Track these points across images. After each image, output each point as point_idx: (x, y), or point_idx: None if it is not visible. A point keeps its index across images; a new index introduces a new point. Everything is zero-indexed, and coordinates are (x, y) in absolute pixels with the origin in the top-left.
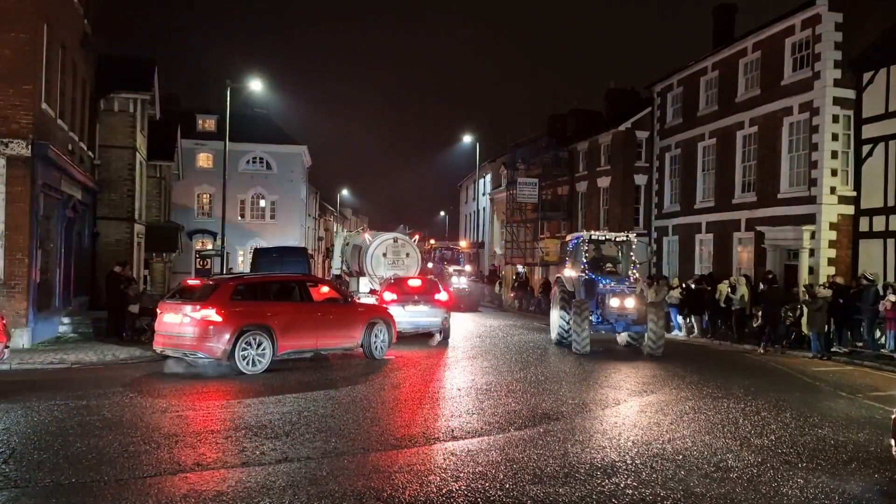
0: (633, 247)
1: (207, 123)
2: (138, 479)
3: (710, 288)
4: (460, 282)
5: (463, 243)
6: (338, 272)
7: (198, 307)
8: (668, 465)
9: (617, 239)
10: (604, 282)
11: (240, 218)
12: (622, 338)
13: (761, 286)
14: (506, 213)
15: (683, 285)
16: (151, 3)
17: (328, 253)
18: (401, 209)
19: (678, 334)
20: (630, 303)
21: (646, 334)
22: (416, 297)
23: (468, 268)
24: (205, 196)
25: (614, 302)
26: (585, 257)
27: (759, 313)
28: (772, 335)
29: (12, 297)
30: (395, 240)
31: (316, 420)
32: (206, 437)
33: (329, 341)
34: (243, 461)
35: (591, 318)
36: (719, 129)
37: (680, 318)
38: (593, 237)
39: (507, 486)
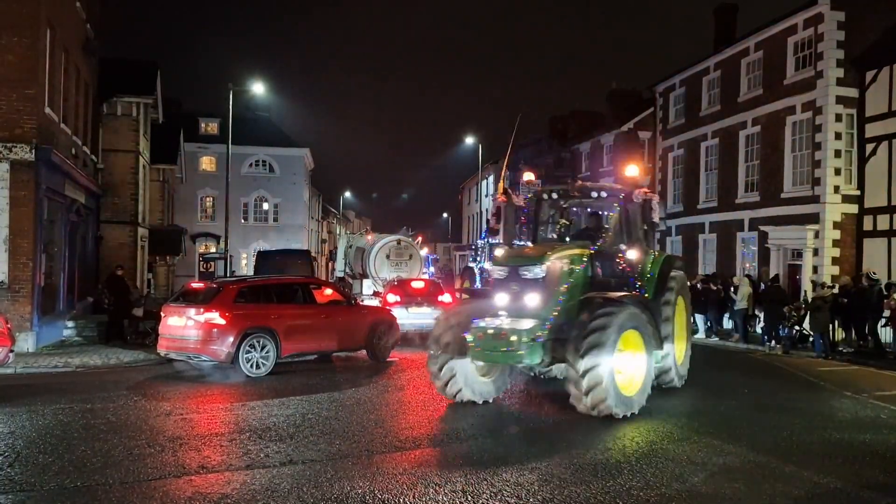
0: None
1: (210, 127)
2: (143, 483)
3: (714, 287)
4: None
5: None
6: (341, 274)
7: (201, 310)
8: (673, 465)
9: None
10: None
11: (243, 221)
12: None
13: (762, 286)
14: None
15: (688, 284)
16: (153, 7)
17: (331, 255)
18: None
19: None
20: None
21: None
22: (419, 299)
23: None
24: (208, 199)
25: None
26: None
27: (763, 313)
28: (776, 335)
29: (17, 301)
30: (398, 242)
31: (320, 423)
32: (211, 440)
33: (333, 343)
34: (247, 464)
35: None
36: (722, 128)
37: None
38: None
39: (512, 487)
